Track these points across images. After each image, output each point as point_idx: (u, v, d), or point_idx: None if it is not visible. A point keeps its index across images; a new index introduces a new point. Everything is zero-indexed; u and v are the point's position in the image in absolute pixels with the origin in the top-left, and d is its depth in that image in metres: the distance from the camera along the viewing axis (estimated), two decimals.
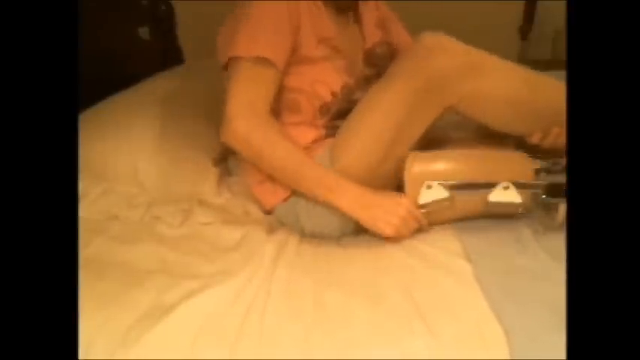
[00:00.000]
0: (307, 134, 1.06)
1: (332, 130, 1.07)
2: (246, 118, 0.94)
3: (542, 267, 0.85)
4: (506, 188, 0.95)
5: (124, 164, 1.19)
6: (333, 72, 1.06)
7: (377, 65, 1.16)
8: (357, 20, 1.15)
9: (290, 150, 0.97)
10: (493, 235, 0.96)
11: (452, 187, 0.96)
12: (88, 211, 1.10)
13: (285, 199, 1.05)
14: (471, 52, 0.96)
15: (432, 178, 0.96)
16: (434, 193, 0.95)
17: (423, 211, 0.96)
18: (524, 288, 0.81)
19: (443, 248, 0.94)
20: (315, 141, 1.06)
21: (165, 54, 1.79)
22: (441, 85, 0.95)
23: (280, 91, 1.02)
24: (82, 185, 1.14)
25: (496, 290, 0.81)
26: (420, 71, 0.95)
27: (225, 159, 1.30)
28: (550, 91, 0.98)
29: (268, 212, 1.11)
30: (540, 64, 2.11)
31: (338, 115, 1.07)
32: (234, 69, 0.97)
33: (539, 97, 1.00)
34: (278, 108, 1.04)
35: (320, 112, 1.06)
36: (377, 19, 1.18)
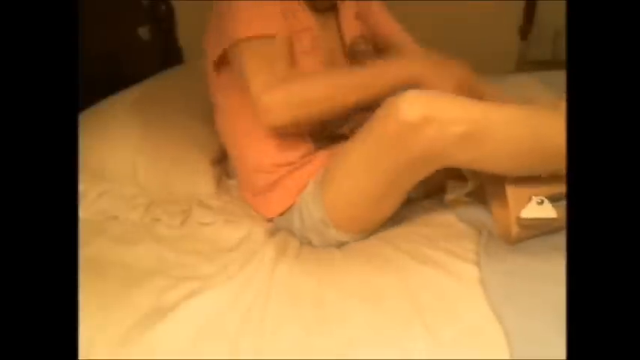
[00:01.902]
0: (296, 148, 1.03)
1: (321, 143, 1.04)
2: (271, 88, 0.89)
3: (545, 267, 0.85)
4: (540, 203, 0.88)
5: (123, 164, 1.19)
6: (313, 66, 1.02)
7: (361, 64, 1.11)
8: (336, 17, 1.12)
9: (327, 78, 0.93)
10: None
11: (558, 199, 0.88)
12: (87, 211, 1.10)
13: (282, 214, 1.04)
14: (461, 116, 0.81)
15: (535, 190, 0.89)
16: (542, 211, 0.88)
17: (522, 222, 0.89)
18: (526, 288, 0.81)
19: (444, 249, 0.93)
20: (304, 156, 1.03)
21: (166, 54, 1.79)
22: (435, 156, 0.84)
23: None
24: (82, 186, 1.14)
25: (497, 291, 0.81)
26: (406, 146, 0.83)
27: (225, 159, 1.30)
28: (559, 130, 0.78)
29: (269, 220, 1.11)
30: (540, 64, 2.11)
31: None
32: (241, 52, 0.92)
33: (547, 142, 0.83)
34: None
35: None
36: (356, 12, 1.16)
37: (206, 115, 1.31)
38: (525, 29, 2.28)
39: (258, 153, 1.04)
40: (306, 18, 1.03)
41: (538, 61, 2.28)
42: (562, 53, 2.15)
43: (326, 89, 0.92)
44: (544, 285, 0.80)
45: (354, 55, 1.12)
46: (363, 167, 0.90)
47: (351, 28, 1.13)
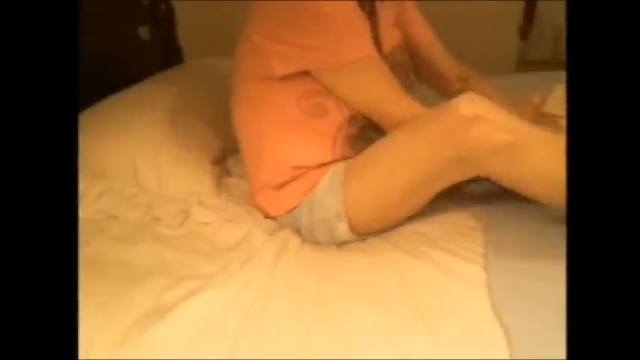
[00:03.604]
0: (323, 154, 1.02)
1: (352, 150, 1.03)
2: (407, 105, 0.96)
3: (552, 266, 0.83)
4: None
5: (123, 164, 1.19)
6: None
7: (399, 78, 1.08)
8: (374, 22, 1.07)
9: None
10: (513, 234, 0.94)
11: None
12: (87, 211, 1.10)
13: (289, 211, 1.04)
14: (510, 127, 0.85)
15: None
16: None
17: None
18: (530, 288, 0.82)
19: (445, 249, 0.93)
20: (325, 164, 1.02)
21: (166, 54, 1.79)
22: (475, 158, 0.87)
23: (305, 94, 0.98)
24: (82, 185, 1.14)
25: (501, 289, 0.81)
26: (454, 141, 0.87)
27: (225, 159, 1.30)
28: None
29: (268, 217, 1.10)
30: (540, 64, 2.11)
31: (364, 127, 1.01)
32: (361, 71, 0.94)
33: None
34: (301, 114, 1.00)
35: (349, 122, 1.00)
36: (394, 19, 1.12)
37: (206, 114, 1.31)
38: (525, 29, 2.28)
39: (278, 153, 1.03)
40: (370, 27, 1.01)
41: (538, 61, 2.29)
42: (562, 53, 2.15)
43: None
44: (548, 284, 0.80)
45: (391, 67, 1.08)
46: (401, 160, 0.92)
47: (389, 36, 1.10)
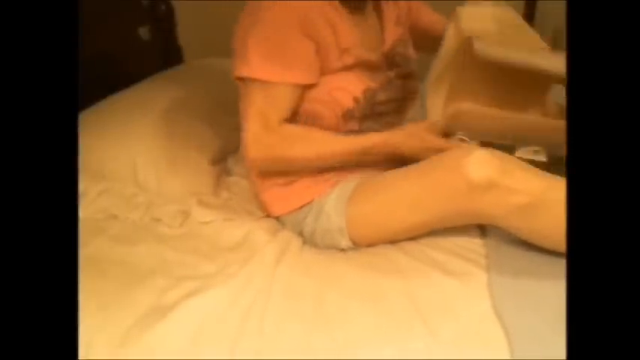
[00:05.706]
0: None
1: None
2: (260, 142, 0.94)
3: (554, 267, 0.84)
4: (536, 152, 0.94)
5: (123, 164, 1.19)
6: (354, 78, 1.01)
7: (399, 65, 1.11)
8: (380, 19, 1.09)
9: (313, 144, 0.97)
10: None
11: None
12: (87, 210, 1.10)
13: (294, 210, 1.04)
14: (525, 187, 0.82)
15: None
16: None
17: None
18: (531, 288, 0.82)
19: (445, 249, 0.93)
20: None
21: (166, 54, 1.79)
22: (488, 217, 0.88)
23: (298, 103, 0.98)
24: (82, 185, 1.14)
25: (502, 290, 0.81)
26: (465, 203, 0.86)
27: (224, 158, 1.30)
28: None
29: (270, 216, 1.10)
30: None
31: (363, 119, 1.02)
32: (249, 90, 0.95)
33: None
34: (299, 119, 1.00)
35: (343, 118, 1.00)
36: (397, 16, 1.13)
37: (206, 114, 1.31)
38: None
39: None
40: (348, 34, 1.00)
41: None
42: None
43: (308, 154, 0.98)
44: (548, 284, 0.80)
45: (392, 60, 1.10)
46: (409, 203, 0.92)
47: (391, 32, 1.11)
